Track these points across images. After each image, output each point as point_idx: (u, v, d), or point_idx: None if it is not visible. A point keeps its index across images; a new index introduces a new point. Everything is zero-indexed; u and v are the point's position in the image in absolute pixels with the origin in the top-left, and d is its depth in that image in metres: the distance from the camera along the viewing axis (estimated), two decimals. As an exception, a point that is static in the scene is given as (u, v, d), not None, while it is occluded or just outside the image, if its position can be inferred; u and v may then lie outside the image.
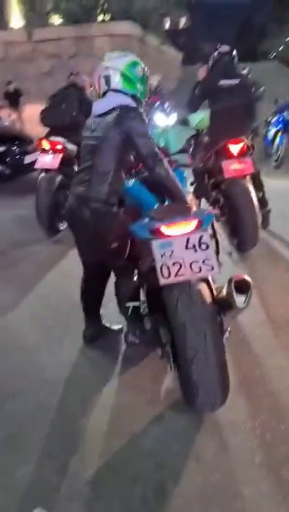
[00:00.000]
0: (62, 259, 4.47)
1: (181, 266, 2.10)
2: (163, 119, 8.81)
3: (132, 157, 2.64)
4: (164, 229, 2.14)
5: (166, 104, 9.66)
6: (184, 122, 4.64)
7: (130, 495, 1.85)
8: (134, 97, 2.52)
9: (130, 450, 2.07)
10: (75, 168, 5.21)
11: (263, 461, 1.98)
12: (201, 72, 4.56)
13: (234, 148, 3.93)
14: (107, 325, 3.01)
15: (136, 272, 2.65)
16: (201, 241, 2.14)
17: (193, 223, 2.15)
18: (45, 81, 14.65)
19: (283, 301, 3.38)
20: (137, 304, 2.65)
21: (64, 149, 4.91)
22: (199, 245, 2.13)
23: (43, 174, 5.01)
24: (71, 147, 5.02)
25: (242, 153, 3.93)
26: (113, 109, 2.43)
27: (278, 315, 3.20)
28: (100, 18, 16.40)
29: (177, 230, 2.15)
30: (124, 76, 2.49)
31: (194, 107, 4.27)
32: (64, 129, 5.01)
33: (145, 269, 2.54)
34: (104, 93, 2.54)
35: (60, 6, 14.67)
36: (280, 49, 43.40)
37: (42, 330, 3.16)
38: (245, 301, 2.11)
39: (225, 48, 4.38)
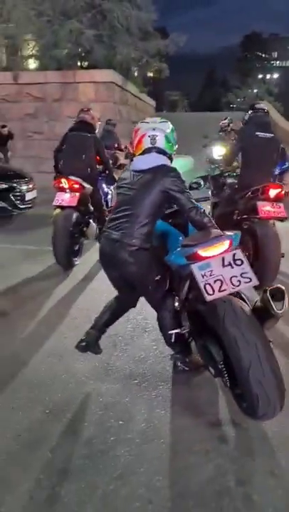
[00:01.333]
0: (80, 294, 4.56)
1: (222, 282, 2.36)
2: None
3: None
4: (202, 252, 2.43)
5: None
6: (212, 162, 5.09)
7: (219, 505, 1.98)
8: (169, 156, 2.93)
9: (210, 468, 2.20)
10: (90, 206, 5.46)
11: None
12: (236, 125, 5.08)
13: (272, 192, 4.30)
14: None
15: (176, 299, 2.86)
16: (235, 258, 2.42)
17: (226, 243, 2.46)
18: (28, 123, 15.01)
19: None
20: (178, 330, 2.85)
21: (81, 188, 5.14)
22: (234, 262, 2.41)
23: (57, 211, 5.19)
24: (87, 186, 5.26)
25: (278, 198, 4.29)
26: (154, 168, 2.76)
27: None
28: (79, 64, 17.13)
29: (212, 251, 2.44)
30: (166, 138, 2.90)
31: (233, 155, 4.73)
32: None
33: (183, 296, 2.78)
34: (146, 150, 2.87)
35: (47, 52, 15.18)
36: (240, 100, 46.33)
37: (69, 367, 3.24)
38: (282, 307, 2.31)
39: (260, 105, 4.91)
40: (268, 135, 4.57)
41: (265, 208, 4.25)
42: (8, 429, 2.49)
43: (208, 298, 2.34)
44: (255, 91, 47.44)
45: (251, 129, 4.66)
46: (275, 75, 57.24)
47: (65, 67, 14.94)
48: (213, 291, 2.34)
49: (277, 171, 9.77)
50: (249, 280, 2.38)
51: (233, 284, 2.36)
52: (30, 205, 7.97)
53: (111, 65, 15.49)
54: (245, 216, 4.46)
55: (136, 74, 20.79)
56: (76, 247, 5.33)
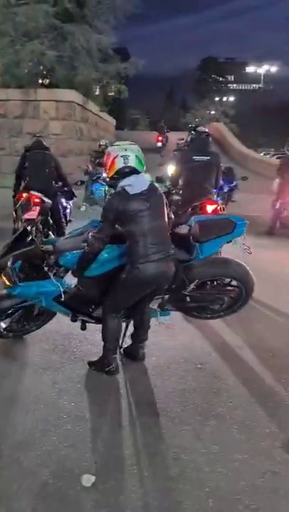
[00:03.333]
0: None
1: None
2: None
3: None
4: None
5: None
6: (159, 180, 5.53)
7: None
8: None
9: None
10: (50, 219, 5.86)
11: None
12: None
13: (209, 208, 4.85)
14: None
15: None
16: None
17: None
18: (-10, 138, 15.21)
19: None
20: None
21: (41, 202, 5.53)
22: None
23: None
24: (47, 201, 5.65)
25: (214, 213, 4.80)
26: (150, 186, 3.12)
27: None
28: (41, 82, 17.52)
29: None
30: (137, 158, 3.16)
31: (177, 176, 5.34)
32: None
33: None
34: (121, 170, 3.08)
35: (8, 70, 15.47)
36: (197, 120, 47.77)
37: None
38: None
39: (202, 128, 5.45)
40: (205, 158, 5.08)
41: None
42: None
43: None
44: (212, 112, 49.16)
45: (189, 153, 5.24)
46: (231, 98, 59.48)
47: (26, 85, 15.28)
48: None
49: (226, 189, 10.50)
50: None
51: None
52: None
53: (72, 84, 15.99)
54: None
55: (97, 93, 21.44)
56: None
